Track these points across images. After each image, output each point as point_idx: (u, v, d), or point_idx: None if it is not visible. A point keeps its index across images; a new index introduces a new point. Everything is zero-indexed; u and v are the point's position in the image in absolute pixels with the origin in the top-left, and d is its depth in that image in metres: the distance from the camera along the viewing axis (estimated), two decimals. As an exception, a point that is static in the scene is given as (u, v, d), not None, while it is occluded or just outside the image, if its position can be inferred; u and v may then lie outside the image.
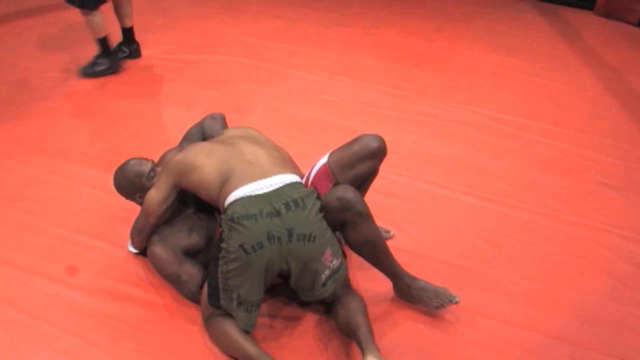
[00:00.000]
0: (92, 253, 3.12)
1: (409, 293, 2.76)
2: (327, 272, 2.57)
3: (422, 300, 2.74)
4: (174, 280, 2.83)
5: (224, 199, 2.55)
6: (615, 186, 3.73)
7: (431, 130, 4.27)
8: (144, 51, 5.23)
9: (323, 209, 2.58)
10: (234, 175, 2.56)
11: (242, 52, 5.39)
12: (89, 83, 4.80)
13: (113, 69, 4.87)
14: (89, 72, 4.81)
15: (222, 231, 2.51)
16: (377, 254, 2.70)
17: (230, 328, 2.55)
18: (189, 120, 4.16)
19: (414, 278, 2.76)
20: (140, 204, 2.96)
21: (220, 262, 2.52)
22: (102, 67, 4.83)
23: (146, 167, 2.95)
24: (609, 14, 6.44)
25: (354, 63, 5.25)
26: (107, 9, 4.72)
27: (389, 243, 2.83)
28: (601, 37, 5.95)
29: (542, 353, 2.63)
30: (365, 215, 2.61)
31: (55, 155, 3.90)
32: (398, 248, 3.14)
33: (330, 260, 2.56)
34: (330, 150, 2.83)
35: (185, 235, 2.87)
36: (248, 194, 2.49)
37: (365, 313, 2.59)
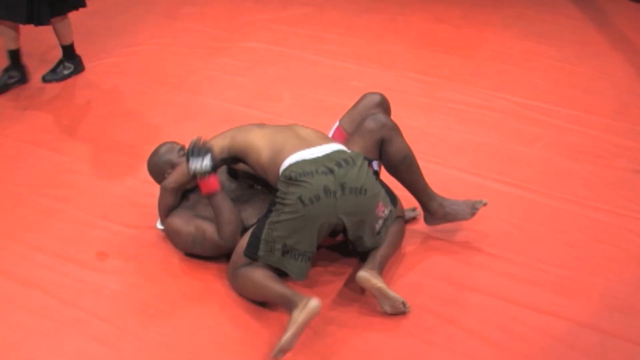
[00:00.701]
0: (121, 239, 3.16)
1: (444, 213, 3.03)
2: (380, 222, 2.79)
3: (458, 214, 3.03)
4: (192, 244, 2.89)
5: (278, 167, 2.71)
6: (646, 173, 3.68)
7: (459, 117, 4.24)
8: (171, 39, 5.25)
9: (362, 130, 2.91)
10: (287, 146, 2.75)
11: (270, 39, 5.39)
12: (117, 72, 4.84)
13: (78, 71, 4.77)
14: (51, 78, 4.69)
15: (279, 190, 2.65)
16: (414, 168, 2.98)
17: (259, 273, 2.63)
18: (218, 107, 4.18)
19: (443, 197, 3.05)
20: None
21: (273, 213, 2.66)
22: (68, 71, 4.72)
23: (176, 146, 3.10)
24: (640, -1, 6.35)
25: (382, 50, 5.23)
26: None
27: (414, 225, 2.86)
28: (632, 23, 5.86)
29: (572, 341, 2.61)
30: (398, 130, 2.94)
31: (86, 142, 3.94)
32: (426, 234, 3.15)
33: (382, 211, 2.79)
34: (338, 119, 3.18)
35: (203, 205, 2.94)
36: (302, 158, 2.68)
37: (394, 243, 2.90)
